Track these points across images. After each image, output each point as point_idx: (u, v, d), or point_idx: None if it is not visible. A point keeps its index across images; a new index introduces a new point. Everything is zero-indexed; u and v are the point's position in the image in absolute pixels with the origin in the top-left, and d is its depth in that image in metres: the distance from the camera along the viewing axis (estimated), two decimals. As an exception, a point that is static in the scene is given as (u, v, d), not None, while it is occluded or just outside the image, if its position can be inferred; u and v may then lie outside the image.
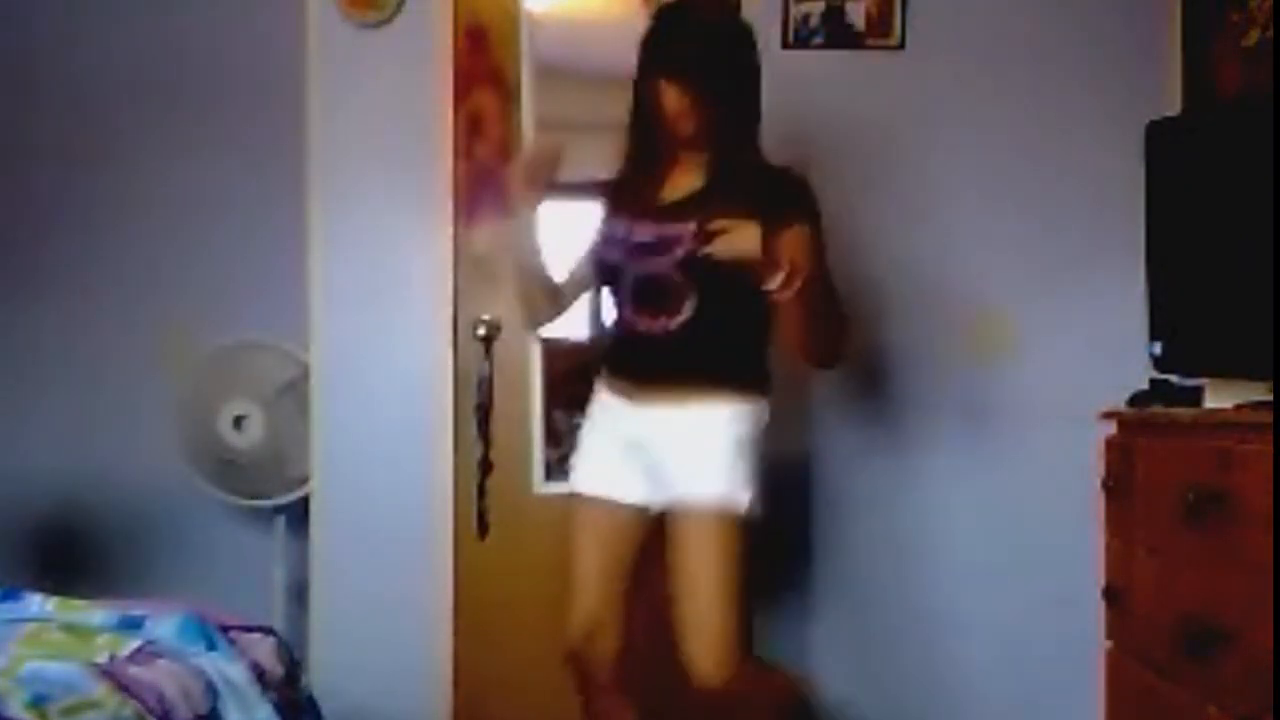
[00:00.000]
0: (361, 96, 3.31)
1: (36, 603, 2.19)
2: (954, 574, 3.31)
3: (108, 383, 3.73)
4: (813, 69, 3.30)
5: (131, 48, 3.73)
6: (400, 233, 3.32)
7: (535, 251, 2.73)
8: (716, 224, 2.43)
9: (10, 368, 3.74)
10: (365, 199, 3.31)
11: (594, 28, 3.50)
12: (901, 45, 3.31)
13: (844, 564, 3.33)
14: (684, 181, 2.65)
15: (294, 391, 3.47)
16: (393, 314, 3.32)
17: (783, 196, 2.53)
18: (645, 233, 2.60)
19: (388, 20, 3.30)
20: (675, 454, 2.58)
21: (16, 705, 1.70)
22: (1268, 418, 2.00)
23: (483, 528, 3.35)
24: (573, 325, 3.39)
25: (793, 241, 2.33)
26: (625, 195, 2.71)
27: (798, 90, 3.14)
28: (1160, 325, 2.61)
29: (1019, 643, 3.29)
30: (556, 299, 2.82)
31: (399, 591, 3.29)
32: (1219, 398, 2.52)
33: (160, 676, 1.92)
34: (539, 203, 2.68)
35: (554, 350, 3.36)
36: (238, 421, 3.50)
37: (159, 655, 2.01)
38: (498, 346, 3.35)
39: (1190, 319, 2.53)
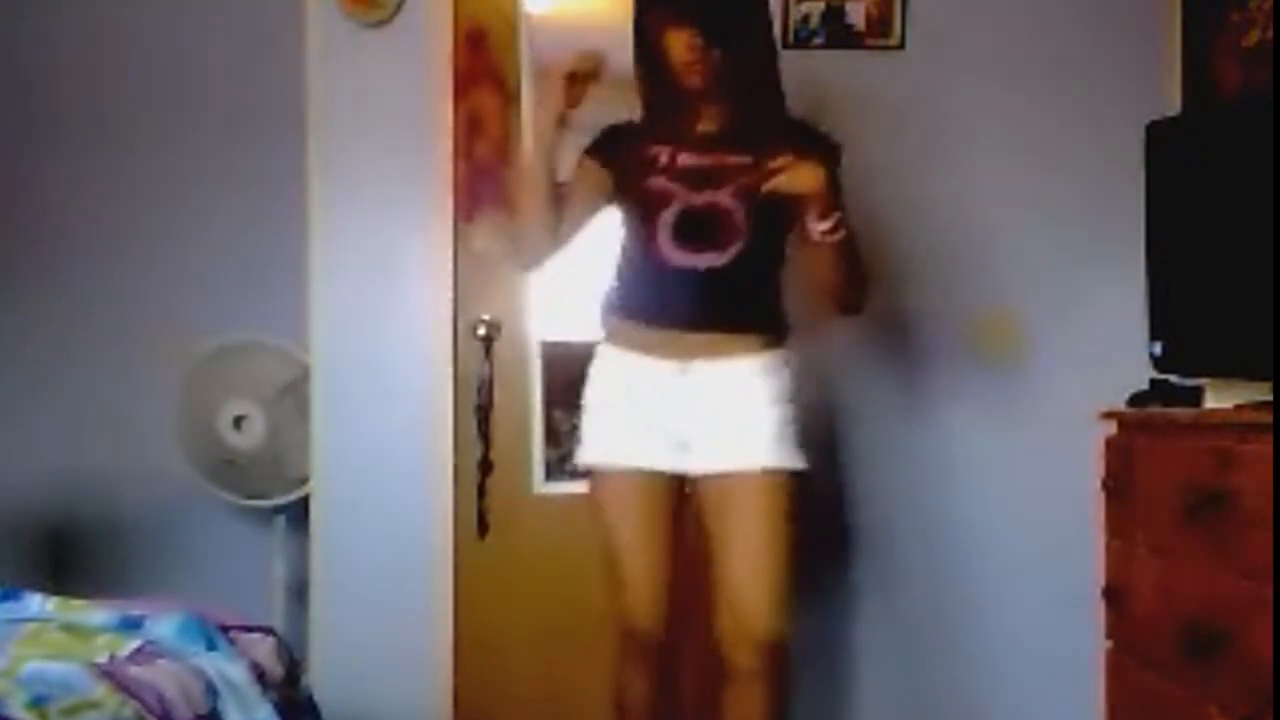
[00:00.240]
0: (361, 96, 3.31)
1: (36, 603, 2.19)
2: (953, 574, 3.31)
3: (107, 383, 3.73)
4: (813, 69, 3.30)
5: (131, 47, 3.74)
6: (400, 232, 3.32)
7: (551, 163, 2.57)
8: (780, 160, 2.38)
9: (10, 367, 3.74)
10: (365, 199, 3.31)
11: (594, 28, 3.49)
12: (901, 45, 3.31)
13: (837, 567, 3.33)
14: (704, 130, 2.57)
15: (294, 391, 3.47)
16: (393, 314, 3.32)
17: (806, 141, 2.52)
18: (695, 159, 2.49)
19: (388, 20, 3.30)
20: (720, 412, 2.50)
21: (16, 705, 1.70)
22: (1268, 418, 2.00)
23: (483, 528, 3.35)
24: (573, 326, 3.40)
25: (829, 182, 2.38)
26: (655, 129, 2.56)
27: (798, 90, 3.13)
28: (1160, 325, 2.61)
29: (1019, 643, 3.28)
30: (558, 227, 2.63)
31: (399, 591, 3.28)
32: (1219, 398, 2.53)
33: (160, 676, 1.92)
34: (572, 106, 2.53)
35: (554, 350, 3.36)
36: (238, 421, 3.50)
37: (159, 655, 2.01)
38: (498, 346, 3.35)
39: (1190, 319, 2.53)
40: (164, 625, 2.11)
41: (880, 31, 3.30)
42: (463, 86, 3.34)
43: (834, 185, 2.44)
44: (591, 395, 2.65)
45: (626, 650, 2.61)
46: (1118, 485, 2.61)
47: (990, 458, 3.30)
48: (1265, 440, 1.96)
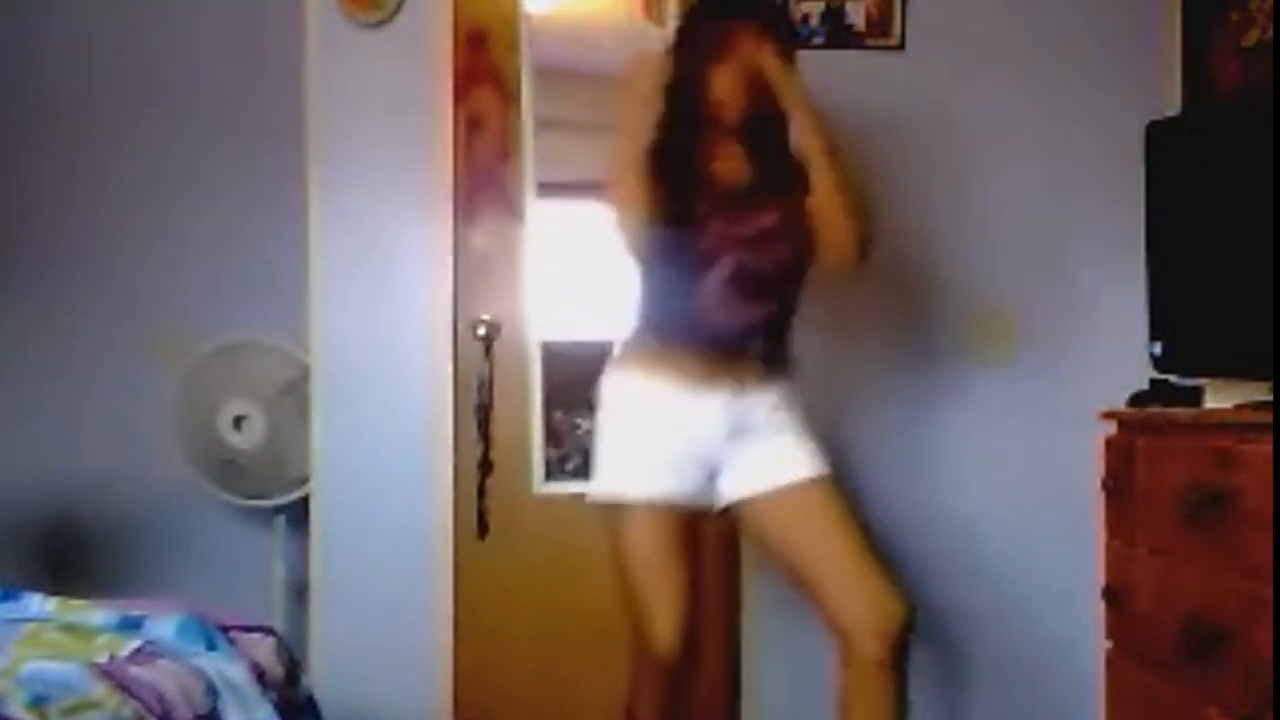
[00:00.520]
0: (361, 96, 3.31)
1: (36, 603, 2.19)
2: (953, 574, 3.31)
3: (107, 383, 3.73)
4: (813, 69, 3.29)
5: (131, 47, 3.74)
6: (400, 232, 3.32)
7: (643, 142, 2.49)
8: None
9: (10, 367, 3.74)
10: (365, 199, 3.31)
11: (594, 28, 3.50)
12: (901, 45, 3.31)
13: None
14: (730, 169, 2.57)
15: (294, 391, 3.48)
16: (393, 314, 3.32)
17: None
18: (745, 225, 2.50)
19: (388, 20, 3.30)
20: (763, 440, 2.53)
21: (16, 705, 1.70)
22: (1268, 418, 2.00)
23: (483, 528, 3.35)
24: (573, 326, 3.40)
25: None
26: (686, 174, 2.52)
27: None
28: (1160, 325, 2.61)
29: (1019, 642, 3.28)
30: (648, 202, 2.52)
31: (399, 591, 3.29)
32: (1219, 398, 2.53)
33: (160, 676, 1.92)
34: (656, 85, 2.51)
35: (554, 350, 3.36)
36: (238, 421, 3.50)
37: (159, 655, 2.01)
38: (498, 346, 3.35)
39: (1190, 319, 2.53)
40: (164, 625, 2.11)
41: (880, 31, 3.31)
42: (463, 86, 3.35)
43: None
44: (617, 422, 2.59)
45: (643, 672, 2.61)
46: (1118, 485, 2.61)
47: (990, 458, 3.30)
48: (1265, 440, 1.96)
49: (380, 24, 3.30)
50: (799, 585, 2.60)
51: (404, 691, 3.27)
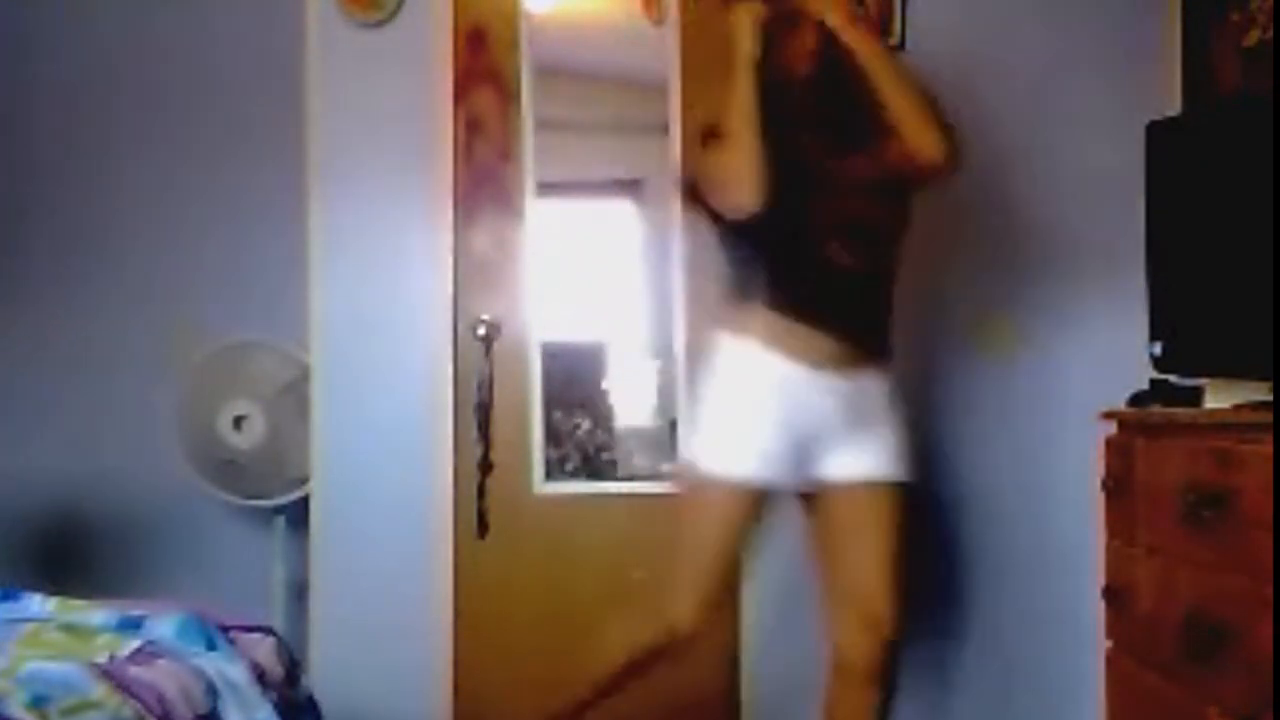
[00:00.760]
0: (361, 96, 3.31)
1: (36, 603, 2.20)
2: (953, 573, 3.31)
3: (108, 383, 3.73)
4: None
5: (132, 47, 3.74)
6: (400, 233, 3.32)
7: (754, 105, 2.50)
8: None
9: (10, 368, 3.74)
10: (365, 199, 3.31)
11: (594, 28, 3.50)
12: (901, 45, 3.31)
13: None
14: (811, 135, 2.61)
15: (294, 391, 3.48)
16: (393, 314, 3.32)
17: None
18: (836, 185, 2.55)
19: (388, 20, 3.30)
20: (857, 426, 2.56)
21: (16, 705, 1.70)
22: (1268, 418, 2.00)
23: (483, 528, 3.35)
24: (573, 326, 3.41)
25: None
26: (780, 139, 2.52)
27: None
28: (1160, 325, 2.61)
29: (1019, 642, 3.28)
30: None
31: (399, 591, 3.29)
32: (1219, 398, 2.52)
33: (160, 676, 1.92)
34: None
35: (554, 350, 3.36)
36: (238, 421, 3.50)
37: (159, 655, 2.01)
38: (498, 346, 3.35)
39: (1190, 319, 2.53)
40: (164, 625, 2.11)
41: (880, 31, 3.30)
42: (463, 86, 3.35)
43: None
44: (728, 392, 2.60)
45: (655, 640, 2.63)
46: (1118, 485, 2.60)
47: (990, 457, 3.30)
48: (1265, 440, 1.96)
49: (380, 24, 3.30)
50: (820, 579, 2.64)
51: (404, 691, 3.27)
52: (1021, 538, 3.29)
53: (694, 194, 2.67)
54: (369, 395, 3.31)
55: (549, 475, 3.36)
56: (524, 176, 3.34)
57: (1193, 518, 2.17)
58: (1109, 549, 2.66)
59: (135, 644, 2.03)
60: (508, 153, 3.37)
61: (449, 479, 3.31)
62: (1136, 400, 2.75)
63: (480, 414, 3.34)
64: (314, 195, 3.31)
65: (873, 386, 2.60)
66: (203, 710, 1.95)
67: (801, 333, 2.53)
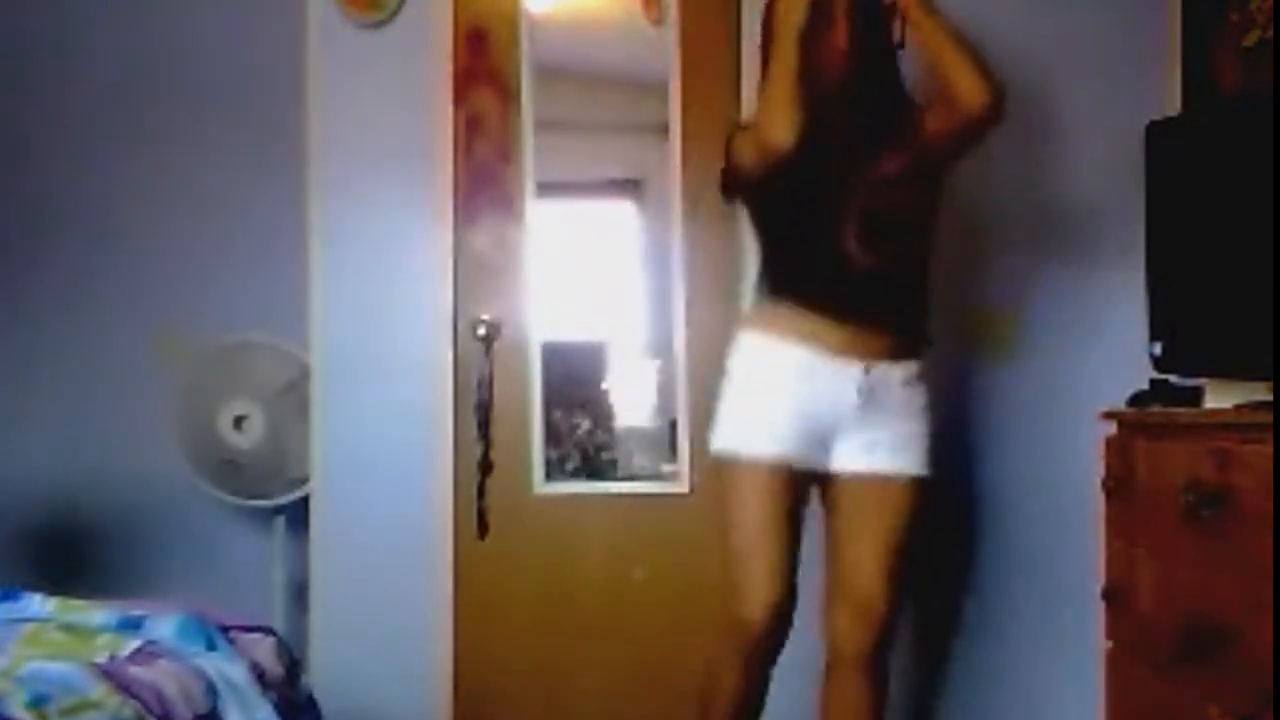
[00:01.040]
0: (361, 96, 3.31)
1: (36, 603, 2.19)
2: (953, 573, 3.31)
3: (108, 383, 3.73)
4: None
5: (132, 47, 3.74)
6: (400, 233, 3.32)
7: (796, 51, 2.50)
8: None
9: (10, 368, 3.74)
10: (365, 199, 3.31)
11: (594, 28, 3.50)
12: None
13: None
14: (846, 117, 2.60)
15: (294, 391, 3.48)
16: (393, 314, 3.32)
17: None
18: (866, 173, 2.55)
19: (388, 20, 3.30)
20: (879, 416, 2.57)
21: (16, 705, 1.70)
22: (1268, 418, 2.00)
23: (483, 528, 3.35)
24: (573, 326, 3.41)
25: None
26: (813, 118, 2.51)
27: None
28: (1160, 325, 2.61)
29: (1019, 643, 3.28)
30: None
31: (399, 591, 3.29)
32: (1219, 398, 2.52)
33: (160, 676, 1.92)
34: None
35: (554, 350, 3.36)
36: (238, 421, 3.50)
37: (159, 655, 2.01)
38: (498, 346, 3.35)
39: (1190, 319, 2.53)
40: (164, 625, 2.11)
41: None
42: (463, 86, 3.34)
43: None
44: (746, 381, 2.61)
45: (730, 638, 2.61)
46: (1118, 485, 2.60)
47: (989, 457, 3.30)
48: (1265, 440, 1.96)
49: (380, 24, 3.30)
50: (826, 570, 2.64)
51: (404, 691, 3.27)
52: (1021, 537, 3.29)
53: (731, 183, 2.69)
54: (369, 395, 3.31)
55: (549, 475, 3.36)
56: (524, 176, 3.34)
57: (1193, 518, 2.17)
58: (1109, 549, 2.66)
59: (135, 644, 2.03)
60: (508, 153, 3.37)
61: (449, 479, 3.31)
62: (1136, 400, 2.75)
63: (480, 414, 3.34)
64: (314, 195, 3.31)
65: (895, 379, 2.60)
66: (203, 710, 1.95)
67: (821, 323, 2.54)
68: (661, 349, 3.39)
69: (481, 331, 3.33)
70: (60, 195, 3.76)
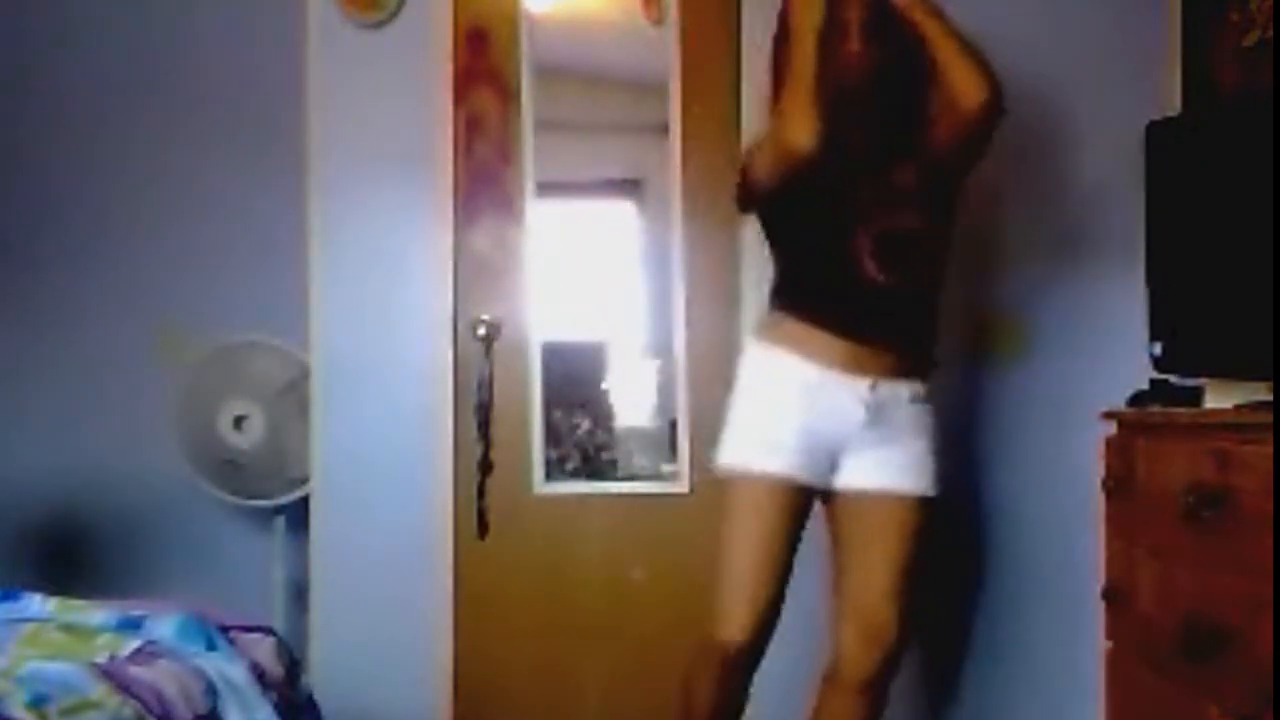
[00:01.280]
0: (361, 96, 3.31)
1: (36, 603, 2.19)
2: (953, 573, 3.31)
3: (108, 383, 3.73)
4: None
5: (132, 47, 3.74)
6: (400, 233, 3.32)
7: (813, 59, 2.48)
8: None
9: (10, 368, 3.74)
10: (365, 199, 3.31)
11: (594, 28, 3.50)
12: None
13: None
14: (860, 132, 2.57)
15: (294, 391, 3.48)
16: (393, 314, 3.32)
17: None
18: (880, 189, 2.53)
19: (388, 20, 3.30)
20: (885, 433, 2.55)
21: (16, 705, 1.70)
22: (1268, 418, 2.00)
23: (483, 528, 3.35)
24: (573, 326, 3.41)
25: None
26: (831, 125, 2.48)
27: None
28: (1160, 325, 2.61)
29: (1019, 642, 3.28)
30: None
31: (399, 591, 3.29)
32: (1219, 398, 2.52)
33: (160, 676, 1.92)
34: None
35: (554, 350, 3.36)
36: (238, 421, 3.50)
37: (159, 655, 2.01)
38: (498, 346, 3.35)
39: (1190, 319, 2.53)
40: (164, 625, 2.11)
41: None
42: (463, 86, 3.35)
43: None
44: (753, 396, 2.58)
45: (705, 654, 2.58)
46: (1118, 485, 2.60)
47: (989, 457, 3.30)
48: (1265, 440, 1.96)
49: (380, 24, 3.30)
50: (834, 586, 2.64)
51: (404, 691, 3.27)
52: (1021, 537, 3.29)
53: (746, 196, 2.65)
54: (369, 395, 3.31)
55: (549, 475, 3.36)
56: (524, 177, 3.34)
57: (1193, 518, 2.16)
58: (1109, 549, 2.66)
59: (135, 644, 2.03)
60: (508, 153, 3.37)
61: (449, 479, 3.31)
62: (1136, 400, 2.75)
63: (480, 414, 3.34)
64: (314, 195, 3.31)
65: (904, 398, 2.59)
66: (203, 710, 1.95)
67: (830, 339, 2.52)
68: (661, 349, 3.39)
69: (481, 331, 3.33)
70: (60, 195, 3.76)
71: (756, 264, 3.16)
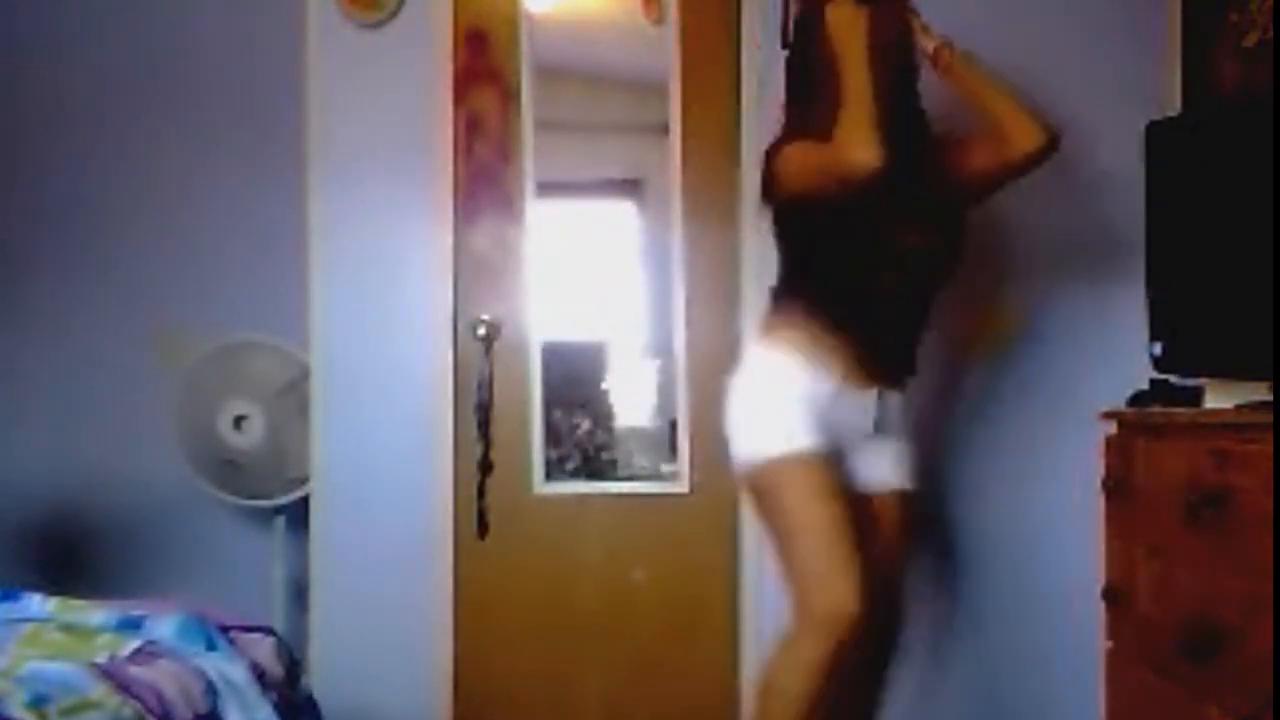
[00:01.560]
0: (361, 96, 3.31)
1: (36, 603, 2.20)
2: (953, 573, 3.31)
3: (108, 383, 3.73)
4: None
5: (132, 47, 3.75)
6: (400, 233, 3.32)
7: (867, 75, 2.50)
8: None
9: (10, 368, 3.74)
10: (365, 199, 3.31)
11: (594, 28, 3.50)
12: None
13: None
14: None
15: (294, 391, 3.48)
16: (393, 314, 3.32)
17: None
18: (920, 212, 2.58)
19: (388, 20, 3.30)
20: (890, 441, 2.66)
21: (16, 705, 1.70)
22: (1268, 418, 2.00)
23: (483, 528, 3.35)
24: (573, 326, 3.41)
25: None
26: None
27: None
28: (1160, 325, 2.61)
29: (1019, 642, 3.28)
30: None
31: (399, 591, 3.28)
32: (1219, 398, 2.52)
33: (160, 676, 1.92)
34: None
35: (554, 350, 3.36)
36: (238, 421, 3.50)
37: (159, 655, 2.01)
38: (498, 346, 3.35)
39: (1190, 319, 2.53)
40: (164, 625, 2.11)
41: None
42: (463, 86, 3.34)
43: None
44: (774, 388, 2.56)
45: (819, 643, 2.42)
46: (1118, 485, 2.60)
47: (990, 457, 3.30)
48: (1265, 440, 1.96)
49: (380, 24, 3.30)
50: None
51: (404, 691, 3.27)
52: (1022, 537, 3.29)
53: (773, 197, 2.65)
54: (369, 395, 3.31)
55: (549, 475, 3.36)
56: (524, 176, 3.34)
57: (1193, 518, 2.17)
58: (1109, 549, 2.66)
59: (135, 644, 2.04)
60: (508, 153, 3.37)
61: (449, 479, 3.31)
62: (1136, 400, 2.75)
63: (480, 414, 3.34)
64: (314, 195, 3.31)
65: (896, 402, 2.68)
66: (203, 710, 1.95)
67: (845, 350, 2.55)
68: (661, 349, 3.39)
69: (481, 331, 3.33)
70: (60, 195, 3.75)
71: (756, 264, 3.16)
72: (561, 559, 3.37)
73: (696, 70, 3.33)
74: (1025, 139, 2.62)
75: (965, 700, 3.31)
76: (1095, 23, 3.31)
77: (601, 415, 3.42)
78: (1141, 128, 2.70)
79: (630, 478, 3.39)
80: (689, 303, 3.34)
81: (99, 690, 1.80)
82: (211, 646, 2.10)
